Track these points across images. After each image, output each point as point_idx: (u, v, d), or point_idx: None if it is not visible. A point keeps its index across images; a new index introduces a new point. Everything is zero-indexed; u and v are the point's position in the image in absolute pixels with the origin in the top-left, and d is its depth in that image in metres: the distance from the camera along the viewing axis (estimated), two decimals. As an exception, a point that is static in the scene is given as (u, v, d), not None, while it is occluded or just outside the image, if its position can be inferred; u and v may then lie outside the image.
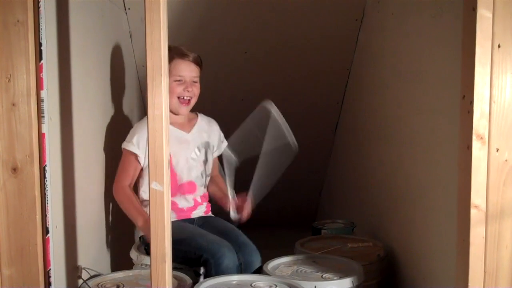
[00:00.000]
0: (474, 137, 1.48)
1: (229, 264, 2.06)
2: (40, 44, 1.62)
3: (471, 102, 1.48)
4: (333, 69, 3.33)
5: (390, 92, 2.60)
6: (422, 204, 2.15)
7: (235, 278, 1.99)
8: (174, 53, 2.20)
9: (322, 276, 2.05)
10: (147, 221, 1.95)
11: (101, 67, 2.43)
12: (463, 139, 1.53)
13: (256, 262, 2.20)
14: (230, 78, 3.35)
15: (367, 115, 3.04)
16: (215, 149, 2.43)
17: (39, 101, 1.63)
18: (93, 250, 2.26)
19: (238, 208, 2.30)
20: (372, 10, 2.84)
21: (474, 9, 1.46)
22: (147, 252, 2.15)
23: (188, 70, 2.27)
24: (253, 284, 1.95)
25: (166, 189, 1.54)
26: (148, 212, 1.57)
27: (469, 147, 1.49)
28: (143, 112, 3.05)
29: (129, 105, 2.79)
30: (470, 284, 1.51)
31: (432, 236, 2.04)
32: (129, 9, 2.82)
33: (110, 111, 2.52)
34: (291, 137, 2.10)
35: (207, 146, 2.39)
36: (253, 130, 2.18)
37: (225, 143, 2.44)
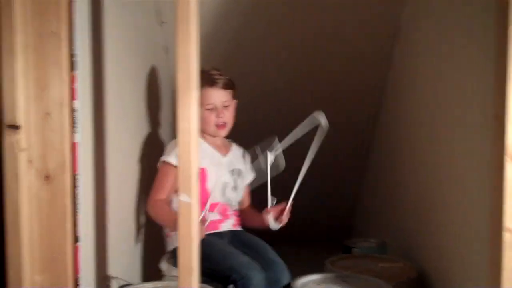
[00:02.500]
0: (507, 158, 1.45)
1: (257, 287, 2.05)
2: (74, 55, 1.64)
3: (504, 122, 1.44)
4: (367, 86, 3.32)
5: (424, 110, 2.57)
6: (455, 227, 2.11)
7: (262, 295, 1.99)
8: (204, 80, 2.21)
9: (351, 295, 2.03)
10: None
11: (136, 80, 2.46)
12: (496, 160, 1.50)
13: (284, 280, 2.19)
14: (266, 92, 3.36)
15: (401, 132, 3.00)
16: (245, 178, 2.45)
17: (72, 110, 1.65)
18: (124, 259, 2.27)
19: (277, 216, 2.25)
20: (407, 26, 2.81)
21: (506, 27, 1.44)
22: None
23: (218, 96, 2.30)
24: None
25: (194, 202, 1.55)
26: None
27: (502, 169, 1.46)
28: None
29: (164, 118, 2.81)
30: (503, 309, 1.47)
31: (464, 259, 2.00)
32: (164, 22, 2.85)
33: (145, 123, 2.55)
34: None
35: (238, 173, 2.42)
36: (299, 138, 2.13)
37: (253, 174, 2.46)
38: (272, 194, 2.19)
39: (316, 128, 2.07)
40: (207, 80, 2.26)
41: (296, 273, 2.23)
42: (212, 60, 2.52)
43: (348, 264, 2.46)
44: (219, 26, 2.92)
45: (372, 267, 2.41)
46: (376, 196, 3.64)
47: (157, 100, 2.77)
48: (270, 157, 2.16)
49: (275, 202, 2.21)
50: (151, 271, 2.48)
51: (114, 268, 2.07)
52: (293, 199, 2.17)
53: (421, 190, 2.59)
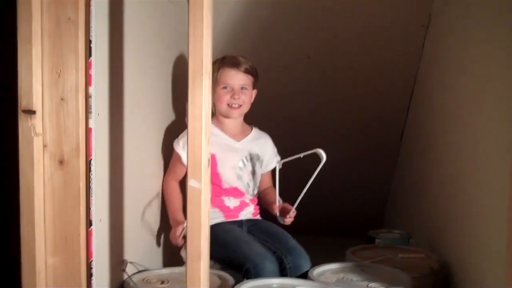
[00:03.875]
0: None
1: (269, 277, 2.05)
2: (90, 42, 1.66)
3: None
4: (399, 76, 3.27)
5: (456, 100, 2.51)
6: (482, 221, 2.05)
7: (276, 281, 1.98)
8: (225, 62, 2.30)
9: (368, 285, 2.00)
10: (176, 223, 2.22)
11: (160, 68, 2.46)
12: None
13: (305, 266, 2.21)
14: (293, 82, 3.35)
15: (432, 123, 2.95)
16: (265, 162, 2.48)
17: (87, 96, 1.66)
18: (143, 245, 2.29)
19: (282, 213, 2.37)
20: (438, 15, 2.76)
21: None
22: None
23: (235, 78, 2.34)
24: (293, 289, 1.93)
25: (204, 187, 1.55)
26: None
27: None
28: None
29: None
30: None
31: (489, 254, 1.95)
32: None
33: (169, 112, 2.56)
34: None
35: (256, 158, 2.44)
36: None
37: (278, 157, 2.51)
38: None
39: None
40: (229, 62, 2.34)
41: (319, 263, 2.23)
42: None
43: (369, 254, 2.43)
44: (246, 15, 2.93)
45: (393, 257, 2.38)
46: (405, 190, 3.59)
47: (185, 87, 2.76)
48: (279, 164, 2.37)
49: (281, 202, 2.40)
50: (173, 259, 2.50)
51: (132, 254, 2.08)
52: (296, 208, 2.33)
53: (445, 183, 2.55)
